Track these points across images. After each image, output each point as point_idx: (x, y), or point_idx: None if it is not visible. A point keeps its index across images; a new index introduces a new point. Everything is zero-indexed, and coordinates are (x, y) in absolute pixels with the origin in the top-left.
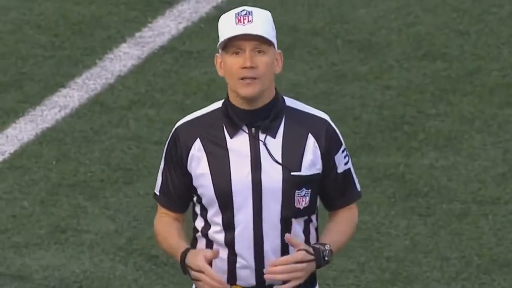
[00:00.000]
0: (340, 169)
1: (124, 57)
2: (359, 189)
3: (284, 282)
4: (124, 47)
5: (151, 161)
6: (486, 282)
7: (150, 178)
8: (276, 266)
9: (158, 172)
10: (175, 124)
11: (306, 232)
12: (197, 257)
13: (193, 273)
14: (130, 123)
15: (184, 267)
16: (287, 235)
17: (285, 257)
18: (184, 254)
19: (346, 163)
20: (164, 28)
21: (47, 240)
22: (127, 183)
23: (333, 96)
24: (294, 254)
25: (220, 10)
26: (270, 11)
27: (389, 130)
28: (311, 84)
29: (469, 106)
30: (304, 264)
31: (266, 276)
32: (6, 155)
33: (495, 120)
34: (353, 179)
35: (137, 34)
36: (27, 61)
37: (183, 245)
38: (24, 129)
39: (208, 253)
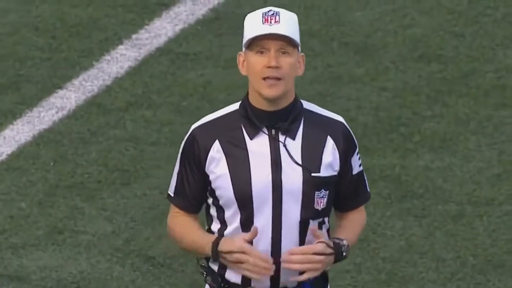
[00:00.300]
0: (355, 171)
1: (121, 59)
2: (369, 191)
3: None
4: (121, 49)
5: (148, 162)
6: (481, 282)
7: (147, 179)
8: (294, 254)
9: (172, 173)
10: (172, 125)
11: None
12: (235, 240)
13: (234, 255)
14: (127, 125)
15: (216, 256)
16: (312, 226)
17: (304, 247)
18: (216, 242)
19: (359, 165)
20: (161, 30)
21: (45, 241)
22: (124, 184)
23: (328, 97)
24: (313, 245)
25: (216, 12)
26: None
27: (385, 131)
28: (306, 86)
29: (464, 108)
30: (322, 257)
31: (283, 265)
32: (4, 156)
33: (490, 122)
34: (365, 181)
35: (134, 36)
36: (24, 63)
37: (211, 236)
38: (22, 131)
39: (247, 234)
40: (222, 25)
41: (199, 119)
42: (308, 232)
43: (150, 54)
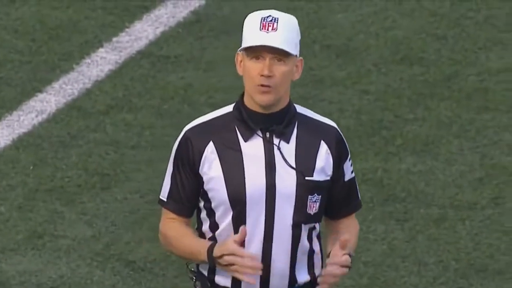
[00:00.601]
0: (347, 177)
1: (101, 62)
2: (360, 199)
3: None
4: (101, 52)
5: (128, 166)
6: (463, 286)
7: (127, 183)
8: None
9: (164, 178)
10: (152, 129)
11: (309, 239)
12: (226, 243)
13: (225, 258)
14: (107, 128)
15: (213, 261)
16: (344, 237)
17: (341, 259)
18: (211, 249)
19: (352, 172)
20: (141, 33)
21: (24, 245)
22: (104, 188)
23: (310, 100)
24: (345, 258)
25: (197, 15)
26: (246, 15)
27: (367, 135)
28: None
29: (446, 111)
30: (346, 269)
31: (319, 279)
32: None
33: (472, 125)
34: (357, 189)
35: (114, 39)
36: (4, 66)
37: (206, 242)
38: (1, 134)
39: (237, 236)
40: (203, 27)
41: (180, 122)
42: (301, 237)
43: (130, 57)
